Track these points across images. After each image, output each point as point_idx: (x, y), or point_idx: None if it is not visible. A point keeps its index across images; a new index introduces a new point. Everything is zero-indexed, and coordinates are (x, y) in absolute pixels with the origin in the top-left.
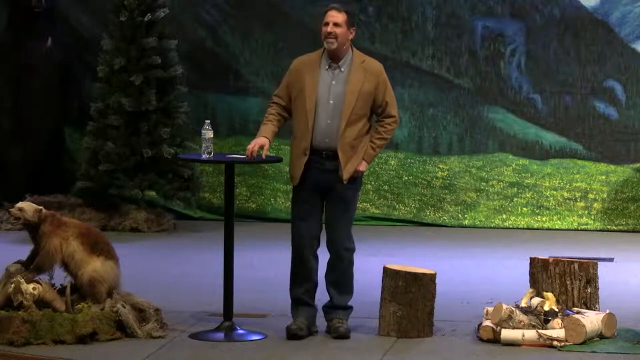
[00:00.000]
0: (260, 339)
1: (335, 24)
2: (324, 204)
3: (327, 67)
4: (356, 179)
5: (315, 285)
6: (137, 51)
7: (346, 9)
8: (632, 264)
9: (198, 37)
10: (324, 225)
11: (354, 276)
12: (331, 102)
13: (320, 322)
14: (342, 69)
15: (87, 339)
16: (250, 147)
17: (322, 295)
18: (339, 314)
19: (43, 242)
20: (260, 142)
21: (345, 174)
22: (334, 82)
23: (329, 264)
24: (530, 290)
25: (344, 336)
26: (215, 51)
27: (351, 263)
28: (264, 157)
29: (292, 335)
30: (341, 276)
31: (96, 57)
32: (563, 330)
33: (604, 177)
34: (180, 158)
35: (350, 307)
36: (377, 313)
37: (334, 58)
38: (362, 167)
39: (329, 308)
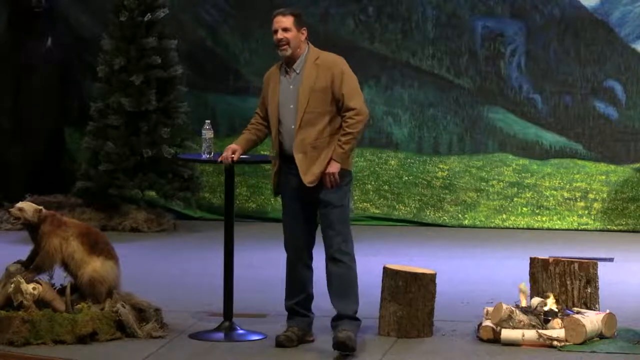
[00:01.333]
0: (260, 339)
1: (284, 29)
2: (313, 212)
3: (285, 73)
4: (337, 181)
5: (309, 296)
6: (137, 51)
7: (292, 11)
8: (632, 264)
9: (198, 37)
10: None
11: (358, 286)
12: (291, 106)
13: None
14: (298, 71)
15: (87, 339)
16: (223, 155)
17: (321, 303)
18: (345, 325)
19: (43, 242)
20: (232, 147)
21: (309, 176)
22: (291, 87)
23: (328, 273)
24: (522, 285)
25: (343, 343)
26: (215, 51)
27: (351, 270)
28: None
29: (279, 345)
30: (342, 284)
31: (96, 57)
32: (563, 330)
33: (604, 177)
34: (180, 158)
35: (358, 320)
36: (377, 313)
37: (289, 62)
38: (333, 168)
39: (335, 320)
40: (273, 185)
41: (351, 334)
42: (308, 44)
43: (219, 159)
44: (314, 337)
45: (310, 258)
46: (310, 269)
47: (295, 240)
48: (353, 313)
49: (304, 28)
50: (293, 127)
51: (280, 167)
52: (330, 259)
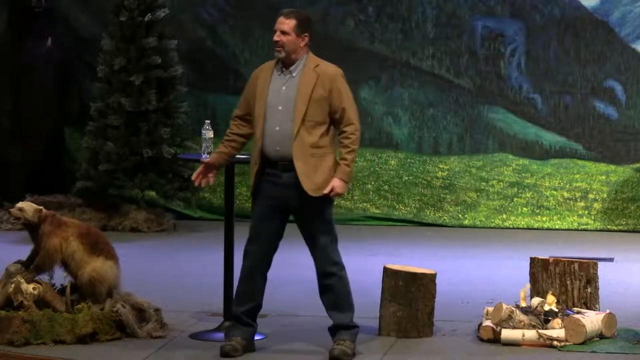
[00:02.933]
0: (260, 339)
1: (282, 32)
2: (283, 221)
3: (279, 72)
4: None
5: (258, 305)
6: (137, 51)
7: (297, 15)
8: (632, 264)
9: (198, 37)
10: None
11: (351, 292)
12: (280, 107)
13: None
14: (294, 74)
15: (87, 339)
16: (198, 171)
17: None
18: (342, 335)
19: (43, 242)
20: (204, 165)
21: (311, 186)
22: (284, 88)
23: (319, 285)
24: (526, 287)
25: (337, 358)
26: (215, 51)
27: (342, 279)
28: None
29: (225, 355)
30: (335, 295)
31: (96, 57)
32: (563, 330)
33: (604, 177)
34: (180, 158)
35: (355, 326)
36: (377, 313)
37: (286, 64)
38: (342, 188)
39: (332, 330)
40: (251, 184)
41: (346, 348)
42: (308, 50)
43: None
44: (255, 348)
45: (269, 267)
46: (265, 278)
47: (260, 249)
48: (349, 321)
49: (306, 34)
50: (277, 128)
51: (260, 169)
52: (321, 273)
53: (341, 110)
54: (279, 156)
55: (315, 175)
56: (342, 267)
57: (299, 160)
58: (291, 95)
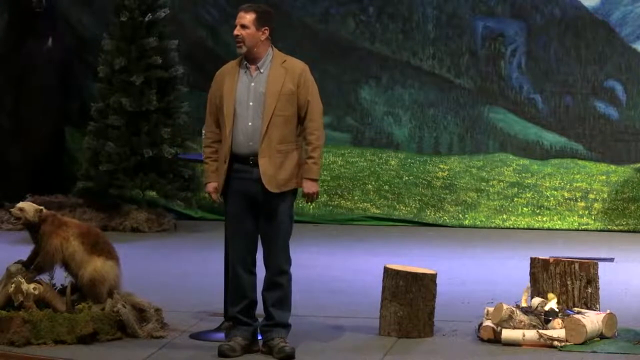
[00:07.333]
0: (260, 339)
1: (242, 26)
2: (257, 217)
3: (245, 70)
4: (290, 190)
5: (253, 302)
6: (137, 51)
7: (257, 8)
8: (633, 264)
9: (199, 37)
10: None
11: (293, 292)
12: (251, 103)
13: None
14: (262, 70)
15: (87, 339)
16: (214, 197)
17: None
18: (281, 333)
19: (44, 242)
20: (213, 187)
21: (273, 183)
22: (253, 84)
23: (267, 281)
24: (527, 287)
25: (291, 356)
26: (216, 51)
27: (291, 279)
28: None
29: (222, 355)
30: (283, 293)
31: (97, 57)
32: (564, 330)
33: (604, 177)
34: (181, 158)
35: (290, 325)
36: (377, 313)
37: (251, 60)
38: (313, 187)
39: (268, 327)
40: (219, 185)
41: (291, 346)
42: (271, 45)
43: (215, 200)
44: (259, 347)
45: (254, 264)
46: (253, 274)
47: (240, 246)
48: (288, 320)
49: (266, 28)
50: (250, 124)
51: (229, 166)
52: (275, 269)
53: (307, 104)
54: (252, 151)
55: (280, 172)
56: (290, 265)
57: (264, 157)
58: (261, 91)
